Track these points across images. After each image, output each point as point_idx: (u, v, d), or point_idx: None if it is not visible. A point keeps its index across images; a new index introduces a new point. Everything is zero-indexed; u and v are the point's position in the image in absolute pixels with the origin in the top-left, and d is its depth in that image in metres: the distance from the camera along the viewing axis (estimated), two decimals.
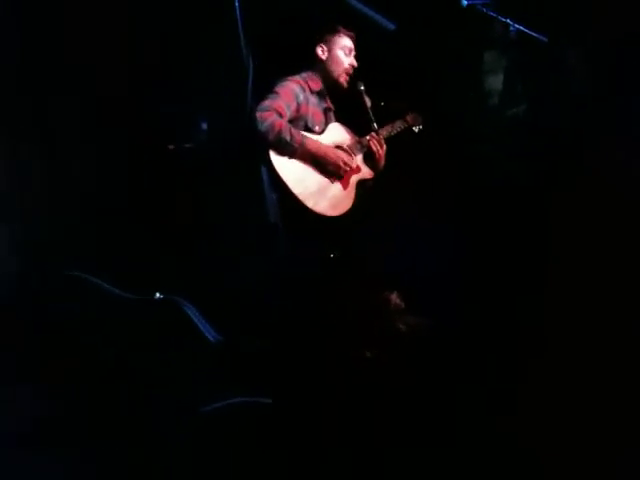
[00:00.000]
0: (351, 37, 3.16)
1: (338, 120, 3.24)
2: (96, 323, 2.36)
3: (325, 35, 3.16)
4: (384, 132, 3.22)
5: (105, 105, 2.67)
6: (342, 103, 3.26)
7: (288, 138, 2.84)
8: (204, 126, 2.86)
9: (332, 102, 3.25)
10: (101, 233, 2.68)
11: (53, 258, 2.52)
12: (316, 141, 2.99)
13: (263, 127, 2.78)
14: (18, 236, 2.49)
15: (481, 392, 2.12)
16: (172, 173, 2.82)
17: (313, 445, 2.06)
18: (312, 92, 3.11)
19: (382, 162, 3.19)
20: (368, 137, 3.17)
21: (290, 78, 3.04)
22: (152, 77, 2.79)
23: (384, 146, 3.17)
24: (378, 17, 2.88)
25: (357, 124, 3.22)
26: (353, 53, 3.16)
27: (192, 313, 2.41)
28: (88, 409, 2.17)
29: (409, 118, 3.41)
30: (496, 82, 3.27)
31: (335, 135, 3.14)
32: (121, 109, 2.74)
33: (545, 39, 3.00)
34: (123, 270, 2.53)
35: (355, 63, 3.15)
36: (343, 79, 3.15)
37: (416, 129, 3.42)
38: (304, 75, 3.11)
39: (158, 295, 2.44)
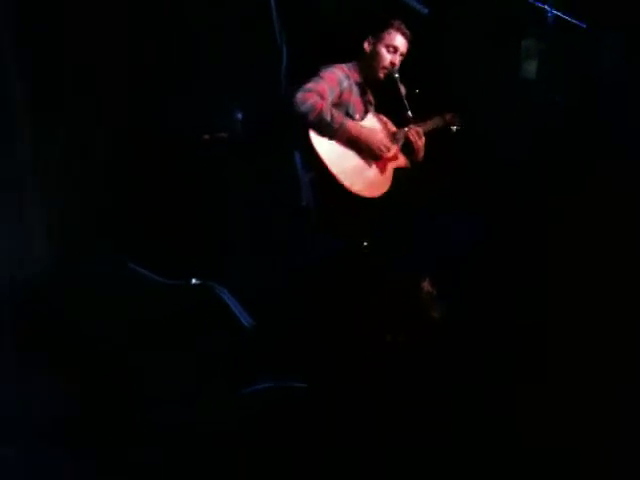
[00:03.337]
0: (405, 35, 3.11)
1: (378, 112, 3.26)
2: (132, 306, 2.42)
3: (378, 29, 3.14)
4: (421, 126, 3.23)
5: (135, 90, 2.70)
6: (380, 96, 3.26)
7: (329, 118, 2.87)
8: (238, 115, 2.90)
9: (374, 96, 3.25)
10: (138, 219, 2.73)
11: (86, 244, 2.57)
12: (357, 124, 3.02)
13: (304, 107, 2.81)
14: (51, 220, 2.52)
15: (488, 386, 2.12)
16: (206, 160, 2.86)
17: (346, 428, 2.09)
18: (355, 83, 3.14)
19: (420, 154, 3.21)
20: (407, 128, 3.19)
21: (336, 65, 3.08)
22: (183, 63, 2.82)
23: (422, 138, 3.20)
24: (412, 2, 2.87)
25: (395, 116, 3.22)
26: (399, 52, 3.11)
27: (227, 298, 2.46)
28: (122, 390, 2.23)
29: (448, 117, 3.43)
30: (533, 69, 3.23)
31: (374, 124, 3.16)
32: (154, 96, 2.78)
33: (583, 25, 2.96)
34: (161, 256, 2.58)
35: (397, 61, 3.11)
36: (382, 74, 3.14)
37: (454, 129, 3.43)
38: (349, 65, 3.14)
39: (194, 280, 2.50)
